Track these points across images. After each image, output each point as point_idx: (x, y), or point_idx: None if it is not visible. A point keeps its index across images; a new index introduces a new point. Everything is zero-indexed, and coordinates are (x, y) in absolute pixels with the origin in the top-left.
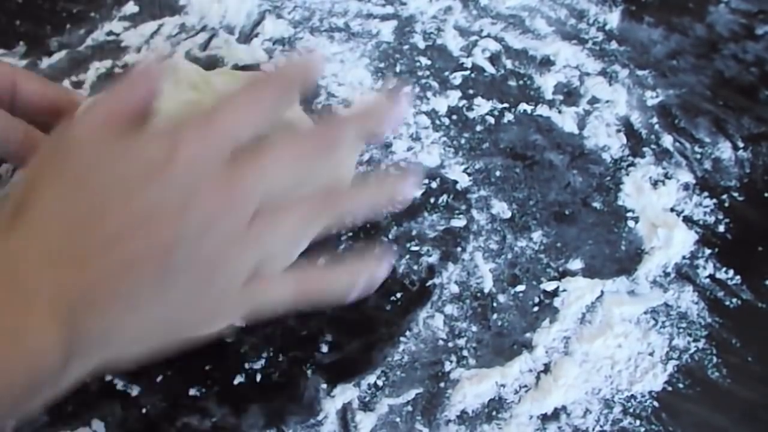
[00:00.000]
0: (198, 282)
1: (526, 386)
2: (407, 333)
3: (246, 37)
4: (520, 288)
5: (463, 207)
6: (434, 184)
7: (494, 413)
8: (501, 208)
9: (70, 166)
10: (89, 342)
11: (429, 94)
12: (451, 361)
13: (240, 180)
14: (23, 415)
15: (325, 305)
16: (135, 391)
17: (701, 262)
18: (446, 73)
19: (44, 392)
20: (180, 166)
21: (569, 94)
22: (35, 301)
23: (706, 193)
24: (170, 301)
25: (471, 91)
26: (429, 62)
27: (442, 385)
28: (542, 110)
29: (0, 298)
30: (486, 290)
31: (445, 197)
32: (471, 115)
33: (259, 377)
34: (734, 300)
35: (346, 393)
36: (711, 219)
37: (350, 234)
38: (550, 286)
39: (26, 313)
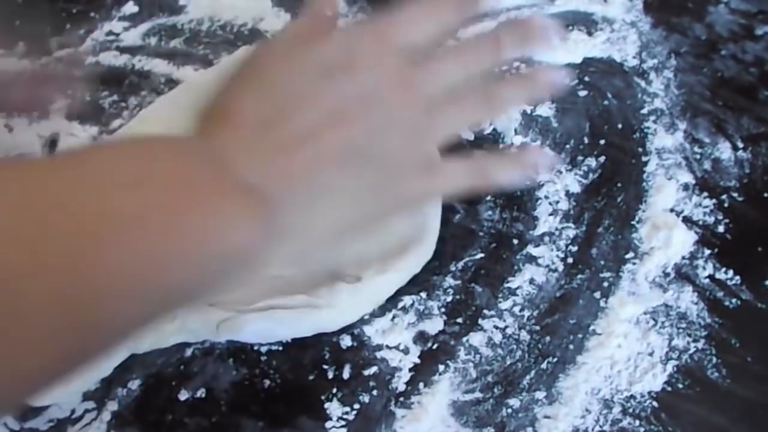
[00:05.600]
0: (382, 171)
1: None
2: None
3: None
4: None
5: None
6: None
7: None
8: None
9: (264, 75)
10: (284, 226)
11: None
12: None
13: (416, 79)
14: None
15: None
16: None
17: (701, 262)
18: None
19: (240, 273)
20: (361, 68)
21: None
22: (239, 185)
23: (705, 194)
24: (357, 189)
25: None
26: None
27: None
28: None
29: (209, 183)
30: None
31: None
32: None
33: None
34: (734, 300)
35: None
36: (711, 219)
37: None
38: None
39: (231, 194)
